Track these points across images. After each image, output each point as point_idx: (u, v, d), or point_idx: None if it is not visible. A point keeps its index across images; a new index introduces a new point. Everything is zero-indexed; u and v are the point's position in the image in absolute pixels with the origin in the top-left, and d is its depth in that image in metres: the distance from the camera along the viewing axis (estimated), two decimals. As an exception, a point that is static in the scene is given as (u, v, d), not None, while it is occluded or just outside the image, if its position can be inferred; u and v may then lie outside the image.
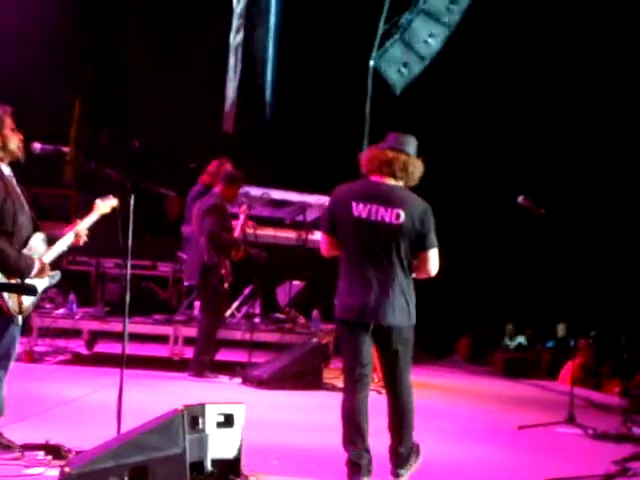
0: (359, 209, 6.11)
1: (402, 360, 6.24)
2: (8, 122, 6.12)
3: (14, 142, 6.13)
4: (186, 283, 11.04)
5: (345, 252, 6.26)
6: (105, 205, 6.59)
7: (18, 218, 6.04)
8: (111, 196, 6.62)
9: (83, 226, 6.45)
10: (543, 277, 13.93)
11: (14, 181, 6.14)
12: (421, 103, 14.72)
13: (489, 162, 14.59)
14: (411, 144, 6.26)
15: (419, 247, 6.15)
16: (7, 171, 6.12)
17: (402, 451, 6.24)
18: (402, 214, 6.06)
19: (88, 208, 6.63)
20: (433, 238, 6.17)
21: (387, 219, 6.06)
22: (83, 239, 6.43)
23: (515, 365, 13.28)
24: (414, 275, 6.24)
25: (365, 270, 6.12)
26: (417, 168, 6.22)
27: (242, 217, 11.03)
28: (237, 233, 10.80)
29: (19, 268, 5.93)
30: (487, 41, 14.59)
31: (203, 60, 14.57)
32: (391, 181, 6.17)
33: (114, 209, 6.60)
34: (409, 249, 6.12)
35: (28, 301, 6.03)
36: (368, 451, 6.16)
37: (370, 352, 6.29)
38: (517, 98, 14.63)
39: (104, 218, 6.60)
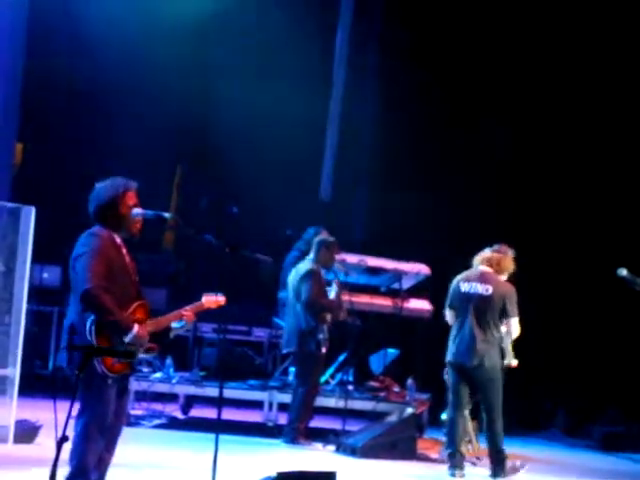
0: (464, 286, 9.27)
1: (494, 390, 9.26)
2: (126, 200, 6.20)
3: (128, 220, 6.21)
4: (284, 351, 11.02)
5: (457, 316, 9.31)
6: (210, 301, 6.58)
7: (123, 284, 6.13)
8: (220, 294, 6.59)
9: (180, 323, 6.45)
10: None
11: (124, 249, 6.24)
12: (519, 171, 14.72)
13: (590, 234, 14.43)
14: (508, 251, 9.38)
15: (504, 315, 9.17)
16: (118, 240, 6.22)
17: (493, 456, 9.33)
18: (490, 289, 9.15)
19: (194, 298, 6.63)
20: (514, 310, 9.17)
21: (479, 291, 9.18)
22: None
23: (614, 439, 12.99)
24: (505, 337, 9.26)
25: (466, 326, 9.14)
26: (506, 265, 9.35)
27: (335, 287, 10.92)
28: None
29: (117, 326, 5.99)
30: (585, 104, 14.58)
31: (301, 126, 14.72)
32: (488, 269, 9.32)
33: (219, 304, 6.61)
34: (496, 314, 9.14)
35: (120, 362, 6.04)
36: (461, 453, 9.32)
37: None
38: (621, 171, 14.50)
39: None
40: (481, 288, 9.19)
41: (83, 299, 5.94)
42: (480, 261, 9.40)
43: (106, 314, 5.94)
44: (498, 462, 9.38)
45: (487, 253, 9.43)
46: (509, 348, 9.41)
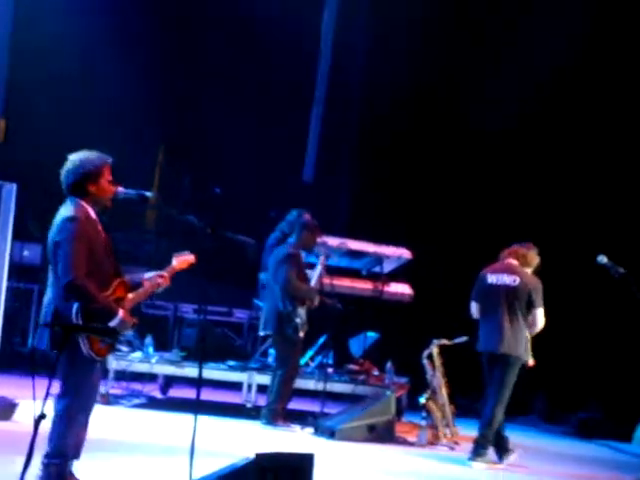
0: (491, 278, 9.54)
1: (508, 376, 9.44)
2: (106, 173, 6.20)
3: (107, 194, 6.22)
4: (261, 333, 11.03)
5: (482, 307, 9.58)
6: (180, 261, 6.60)
7: (102, 262, 6.11)
8: (188, 252, 6.62)
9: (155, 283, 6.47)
10: (621, 337, 13.72)
11: (99, 226, 6.21)
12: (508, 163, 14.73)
13: (569, 221, 14.47)
14: (533, 247, 9.68)
15: (530, 306, 9.39)
16: (94, 215, 6.20)
17: (478, 439, 9.42)
18: (517, 279, 9.41)
19: (167, 255, 6.65)
20: (539, 301, 9.39)
21: (506, 282, 9.42)
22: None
23: (591, 426, 13.05)
24: (530, 329, 9.47)
25: (495, 317, 9.39)
26: (531, 258, 9.63)
27: (320, 267, 10.97)
28: (314, 283, 10.78)
29: (102, 312, 5.98)
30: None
31: (286, 110, 14.69)
32: (515, 262, 9.59)
33: (191, 264, 6.62)
34: (523, 304, 9.37)
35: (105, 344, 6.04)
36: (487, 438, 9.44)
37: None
38: (599, 159, 14.52)
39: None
40: (508, 279, 9.44)
41: (67, 291, 5.94)
42: (507, 254, 9.67)
43: (91, 302, 5.95)
44: (482, 447, 9.38)
45: (514, 247, 9.69)
46: (528, 345, 9.49)
